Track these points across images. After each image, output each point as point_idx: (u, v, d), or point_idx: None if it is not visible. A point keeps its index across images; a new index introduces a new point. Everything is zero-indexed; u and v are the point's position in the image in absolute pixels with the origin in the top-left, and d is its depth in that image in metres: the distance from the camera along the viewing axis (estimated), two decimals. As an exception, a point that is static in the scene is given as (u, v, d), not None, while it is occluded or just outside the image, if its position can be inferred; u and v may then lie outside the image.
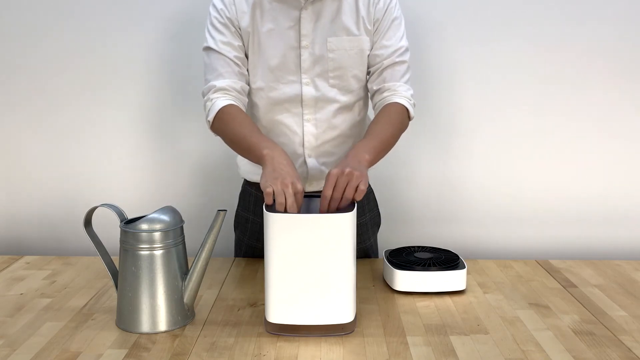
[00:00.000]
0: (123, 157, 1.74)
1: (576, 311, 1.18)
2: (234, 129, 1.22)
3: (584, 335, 1.07)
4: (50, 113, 1.72)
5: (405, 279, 1.24)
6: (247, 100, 1.31)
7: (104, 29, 1.66)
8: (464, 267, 1.26)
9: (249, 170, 1.41)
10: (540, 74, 1.68)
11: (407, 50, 1.33)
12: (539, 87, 1.68)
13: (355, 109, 1.35)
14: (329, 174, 1.08)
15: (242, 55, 1.29)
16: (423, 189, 1.75)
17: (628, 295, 1.26)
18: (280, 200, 1.03)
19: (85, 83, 1.69)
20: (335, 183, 1.06)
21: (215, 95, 1.26)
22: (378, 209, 1.53)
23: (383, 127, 1.25)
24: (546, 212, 1.75)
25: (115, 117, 1.71)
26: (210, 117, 1.25)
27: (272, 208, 1.03)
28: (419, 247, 1.38)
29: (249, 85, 1.32)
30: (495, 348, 1.02)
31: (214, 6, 1.29)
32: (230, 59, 1.27)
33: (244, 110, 1.28)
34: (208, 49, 1.29)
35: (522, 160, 1.73)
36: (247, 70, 1.31)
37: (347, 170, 1.07)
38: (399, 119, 1.28)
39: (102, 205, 1.09)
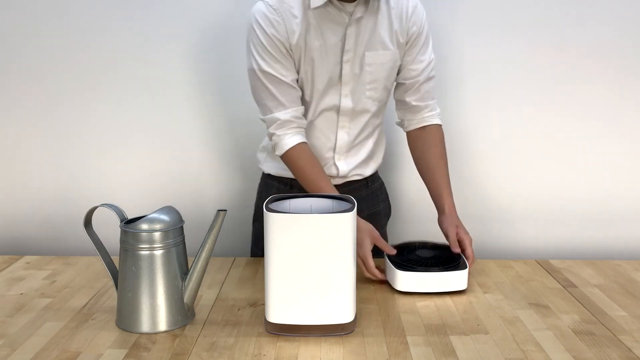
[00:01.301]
0: (123, 157, 1.74)
1: (576, 311, 1.18)
2: (304, 172, 1.31)
3: (584, 335, 1.07)
4: (50, 113, 1.72)
5: (406, 280, 1.24)
6: (305, 121, 1.34)
7: (105, 28, 1.66)
8: (466, 267, 1.26)
9: (272, 166, 1.46)
10: (540, 74, 1.68)
11: (434, 60, 1.41)
12: (540, 87, 1.69)
13: (379, 114, 1.42)
14: (467, 239, 1.32)
15: (296, 76, 1.31)
16: (422, 189, 1.75)
17: (628, 295, 1.26)
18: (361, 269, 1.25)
19: (86, 83, 1.70)
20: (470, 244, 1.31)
21: (281, 131, 1.31)
22: (389, 200, 1.56)
23: (446, 167, 1.41)
24: (546, 212, 1.75)
25: (116, 117, 1.71)
26: (279, 153, 1.32)
27: (272, 208, 1.04)
28: (419, 243, 1.37)
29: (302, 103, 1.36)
30: (495, 348, 1.02)
31: (260, 26, 1.26)
32: (288, 84, 1.30)
33: (305, 137, 1.33)
34: (263, 72, 1.28)
35: (523, 160, 1.73)
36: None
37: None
38: (444, 145, 1.43)
39: (102, 205, 1.09)
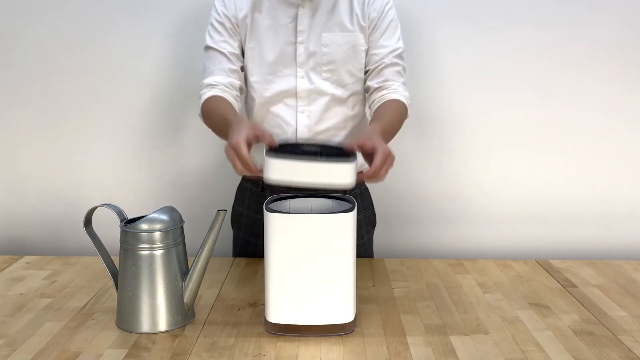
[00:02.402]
0: (123, 157, 1.74)
1: (576, 311, 1.18)
2: (214, 114, 1.27)
3: (584, 335, 1.07)
4: (50, 113, 1.72)
5: (278, 167, 1.01)
6: (237, 94, 1.34)
7: (105, 28, 1.66)
8: (353, 161, 1.03)
9: None
10: (540, 74, 1.68)
11: (403, 52, 1.37)
12: (539, 86, 1.68)
13: (349, 103, 1.38)
14: (381, 150, 1.06)
15: (238, 52, 1.34)
16: (422, 189, 1.75)
17: (628, 295, 1.27)
18: (233, 165, 1.06)
19: (86, 83, 1.70)
20: (384, 162, 1.07)
21: (203, 91, 1.32)
22: (373, 208, 1.54)
23: (389, 115, 1.28)
24: (546, 212, 1.75)
25: (116, 117, 1.71)
26: (199, 112, 1.32)
27: (272, 208, 1.04)
28: (311, 142, 1.20)
29: (242, 81, 1.36)
30: (495, 348, 1.02)
31: (214, 7, 1.34)
32: (224, 55, 1.32)
33: (235, 103, 1.31)
34: (206, 47, 1.35)
35: (522, 160, 1.73)
36: (244, 65, 1.35)
37: (392, 155, 1.09)
38: (401, 112, 1.32)
39: (102, 205, 1.09)
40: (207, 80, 1.32)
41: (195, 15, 1.65)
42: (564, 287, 1.31)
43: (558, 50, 1.66)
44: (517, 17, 1.65)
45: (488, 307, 1.19)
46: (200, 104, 1.31)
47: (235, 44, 1.33)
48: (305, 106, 1.34)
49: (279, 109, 1.35)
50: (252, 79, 1.35)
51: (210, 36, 1.34)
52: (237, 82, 1.34)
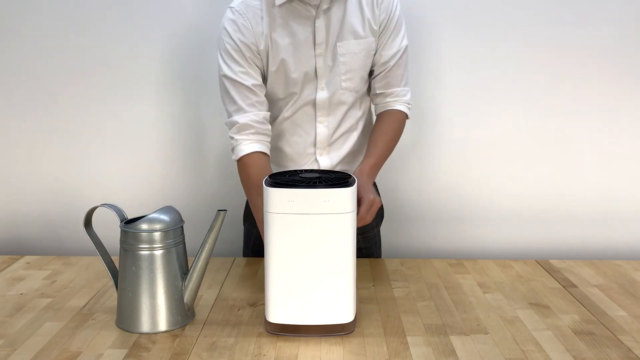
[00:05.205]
0: (123, 157, 1.74)
1: (576, 311, 1.18)
2: (250, 183, 1.27)
3: (584, 335, 1.07)
4: (50, 113, 1.72)
5: (277, 198, 1.02)
6: (269, 127, 1.32)
7: (106, 29, 1.66)
8: (353, 184, 1.04)
9: None
10: (540, 73, 1.68)
11: (407, 47, 1.38)
12: (539, 86, 1.68)
13: (360, 105, 1.40)
14: (365, 200, 1.14)
15: (260, 81, 1.31)
16: (422, 189, 1.75)
17: (628, 295, 1.26)
18: None
19: (86, 83, 1.70)
20: (368, 210, 1.14)
21: (239, 136, 1.29)
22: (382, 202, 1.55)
23: (385, 137, 1.33)
24: (546, 212, 1.75)
25: (116, 117, 1.71)
26: (234, 158, 1.30)
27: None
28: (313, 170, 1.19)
29: (267, 106, 1.33)
30: (495, 348, 1.02)
31: (226, 31, 1.28)
32: (249, 88, 1.28)
33: (268, 148, 1.31)
34: (225, 77, 1.29)
35: (522, 160, 1.73)
36: (268, 84, 1.33)
37: (378, 200, 1.16)
38: (397, 129, 1.37)
39: (102, 205, 1.09)
40: (239, 119, 1.28)
41: (200, 15, 1.65)
42: (564, 287, 1.31)
43: (559, 50, 1.66)
44: (519, 17, 1.65)
45: (488, 307, 1.19)
46: (238, 156, 1.28)
47: (257, 74, 1.30)
48: (324, 116, 1.36)
49: (299, 119, 1.36)
50: (276, 97, 1.34)
51: (227, 65, 1.28)
52: (267, 114, 1.32)
